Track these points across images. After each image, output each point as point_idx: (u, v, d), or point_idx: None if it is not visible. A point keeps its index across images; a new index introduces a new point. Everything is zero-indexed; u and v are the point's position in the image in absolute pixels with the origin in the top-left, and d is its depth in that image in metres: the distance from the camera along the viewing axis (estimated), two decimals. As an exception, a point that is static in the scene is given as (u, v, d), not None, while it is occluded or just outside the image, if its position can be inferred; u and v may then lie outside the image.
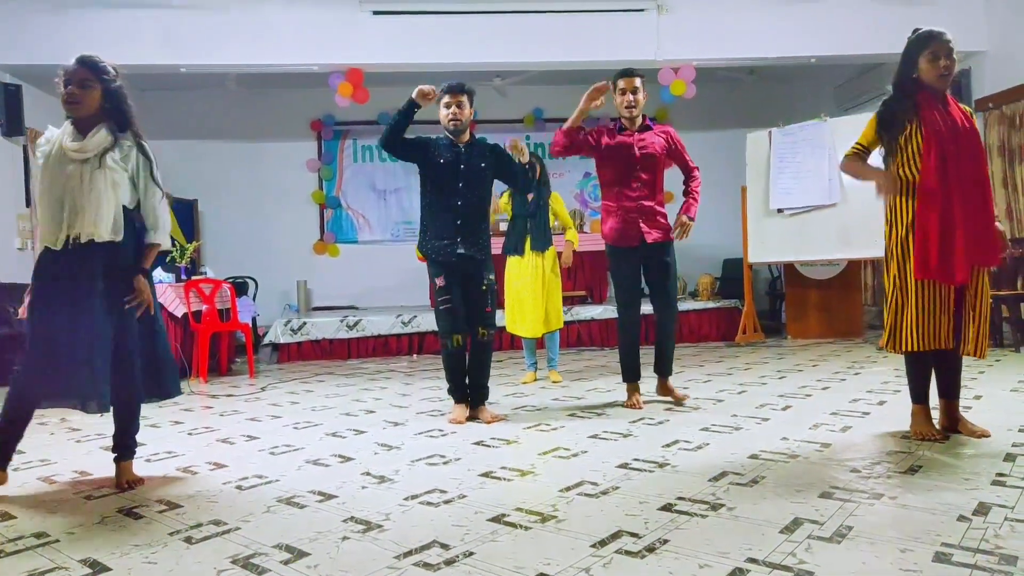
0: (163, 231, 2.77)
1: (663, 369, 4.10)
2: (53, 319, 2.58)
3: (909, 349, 2.93)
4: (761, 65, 8.37)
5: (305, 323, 7.35)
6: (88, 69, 2.64)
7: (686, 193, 4.08)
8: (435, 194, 3.77)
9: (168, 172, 2.86)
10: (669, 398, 4.09)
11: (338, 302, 9.28)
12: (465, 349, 3.82)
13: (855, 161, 3.12)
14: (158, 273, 6.09)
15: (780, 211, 7.02)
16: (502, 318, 4.96)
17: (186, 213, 8.92)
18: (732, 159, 8.19)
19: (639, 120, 3.99)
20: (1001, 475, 2.44)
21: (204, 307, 6.08)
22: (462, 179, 3.72)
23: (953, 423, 3.06)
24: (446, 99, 3.73)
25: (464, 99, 3.75)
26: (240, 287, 7.59)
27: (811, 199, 6.82)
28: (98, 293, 2.60)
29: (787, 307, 7.92)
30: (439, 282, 3.76)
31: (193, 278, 6.40)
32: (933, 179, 2.84)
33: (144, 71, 6.86)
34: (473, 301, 3.80)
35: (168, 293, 5.81)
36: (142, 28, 6.85)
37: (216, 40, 7.02)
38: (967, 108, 3.03)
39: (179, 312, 5.85)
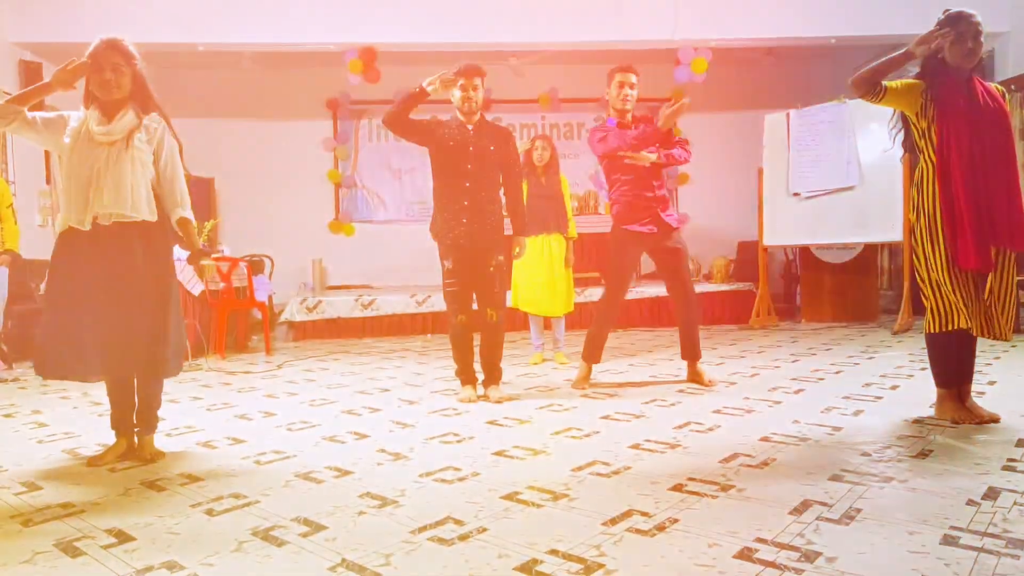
0: (189, 206, 2.85)
1: (693, 354, 4.12)
2: (80, 300, 2.64)
3: (961, 326, 2.87)
4: (780, 46, 8.26)
5: (320, 302, 7.42)
6: (119, 53, 2.68)
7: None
8: (444, 176, 3.79)
9: (185, 151, 2.92)
10: (698, 384, 4.08)
11: (353, 281, 9.32)
12: (472, 328, 3.86)
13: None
14: (175, 250, 6.15)
15: (797, 194, 6.98)
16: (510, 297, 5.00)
17: (203, 192, 8.96)
18: (749, 141, 8.13)
19: (629, 115, 4.06)
20: (1012, 460, 2.45)
21: (221, 285, 6.15)
22: (470, 161, 3.74)
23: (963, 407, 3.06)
24: (461, 82, 3.74)
25: (478, 81, 3.76)
26: (256, 265, 7.64)
27: (830, 183, 6.77)
28: (133, 271, 2.67)
29: (802, 290, 7.90)
30: (447, 264, 3.79)
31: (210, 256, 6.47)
32: (947, 163, 2.83)
33: (161, 49, 6.88)
34: (481, 282, 3.83)
35: (186, 271, 5.87)
36: (159, 6, 6.87)
37: (232, 18, 7.03)
38: (998, 88, 3.00)
39: (196, 290, 5.92)
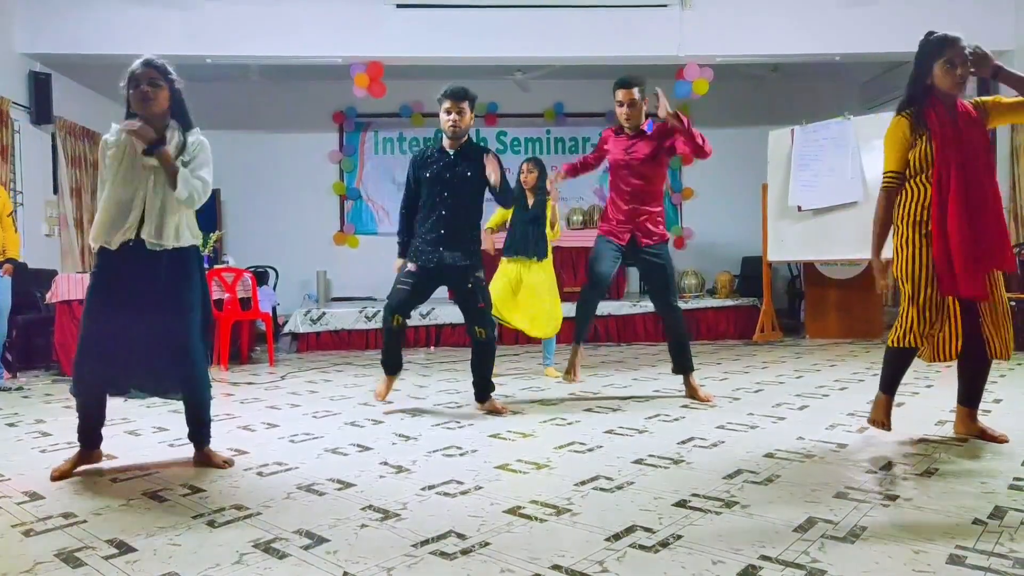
0: (187, 187, 2.73)
1: (683, 367, 4.09)
2: (112, 318, 2.65)
3: (903, 344, 2.91)
4: (785, 62, 8.30)
5: (324, 313, 7.43)
6: (155, 69, 2.75)
7: None
8: (423, 202, 3.81)
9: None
10: (694, 399, 4.05)
11: (357, 293, 9.34)
12: (403, 329, 3.87)
13: (886, 204, 3.00)
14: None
15: (799, 208, 6.98)
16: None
17: (208, 203, 8.95)
18: (754, 156, 8.16)
19: (637, 126, 4.03)
20: (1019, 479, 2.44)
21: (225, 296, 6.16)
22: (447, 188, 3.73)
23: (971, 429, 3.04)
24: (447, 104, 3.68)
25: (465, 105, 3.69)
26: (261, 276, 7.68)
27: (832, 198, 6.77)
28: (160, 294, 2.68)
29: (806, 306, 7.88)
30: (410, 266, 3.78)
31: (215, 267, 6.49)
32: (948, 196, 2.79)
33: (169, 61, 6.91)
34: (464, 301, 3.82)
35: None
36: (168, 19, 6.95)
37: (241, 32, 7.10)
38: (973, 100, 2.97)
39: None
